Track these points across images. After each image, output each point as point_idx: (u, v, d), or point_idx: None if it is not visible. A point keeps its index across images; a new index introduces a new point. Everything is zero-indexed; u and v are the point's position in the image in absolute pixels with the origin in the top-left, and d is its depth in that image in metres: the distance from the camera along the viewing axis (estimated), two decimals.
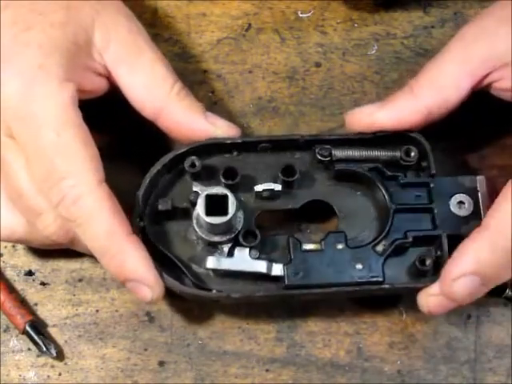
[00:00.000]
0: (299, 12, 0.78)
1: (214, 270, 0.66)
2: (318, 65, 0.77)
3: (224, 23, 0.78)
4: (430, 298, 0.65)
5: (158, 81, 0.67)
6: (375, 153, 0.68)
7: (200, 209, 0.64)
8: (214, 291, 0.65)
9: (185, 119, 0.67)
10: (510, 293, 0.71)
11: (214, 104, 0.75)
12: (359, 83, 0.77)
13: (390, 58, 0.78)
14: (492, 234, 0.62)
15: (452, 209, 0.68)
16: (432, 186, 0.68)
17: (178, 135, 0.68)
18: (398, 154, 0.68)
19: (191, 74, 0.76)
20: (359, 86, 0.77)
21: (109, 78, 0.67)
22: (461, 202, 0.68)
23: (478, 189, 0.68)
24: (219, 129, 0.67)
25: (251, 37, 0.78)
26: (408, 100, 0.67)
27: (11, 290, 0.70)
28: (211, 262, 0.65)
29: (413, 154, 0.68)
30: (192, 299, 0.68)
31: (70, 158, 0.62)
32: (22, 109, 0.62)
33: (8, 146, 0.63)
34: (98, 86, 0.67)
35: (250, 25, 0.78)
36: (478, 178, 0.69)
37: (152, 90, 0.67)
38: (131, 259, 0.63)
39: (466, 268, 0.62)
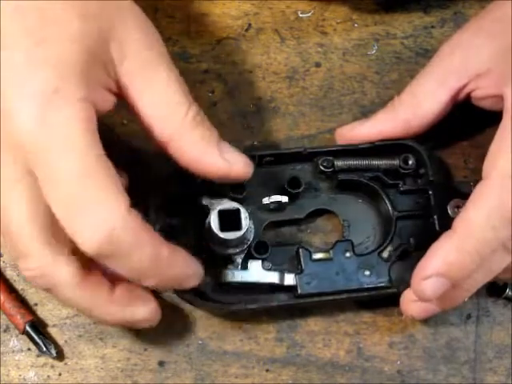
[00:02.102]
0: (299, 12, 0.78)
1: (228, 283, 0.67)
2: (318, 65, 0.77)
3: (224, 23, 0.78)
4: (413, 304, 0.67)
5: (172, 105, 0.61)
6: (375, 162, 0.70)
7: (214, 225, 0.65)
8: (233, 304, 0.67)
9: (196, 152, 0.62)
10: (510, 293, 0.71)
11: (213, 104, 0.75)
12: (359, 83, 0.77)
13: (390, 58, 0.78)
14: (459, 237, 0.63)
15: (450, 213, 0.69)
16: (430, 192, 0.70)
17: (188, 165, 0.62)
18: (396, 162, 0.70)
19: (191, 74, 0.76)
20: (359, 86, 0.77)
21: (117, 94, 0.62)
22: (458, 207, 0.69)
23: None
24: (234, 166, 0.63)
25: (251, 37, 0.78)
26: (388, 114, 0.70)
27: (11, 290, 0.70)
28: (226, 276, 0.67)
29: (410, 162, 0.70)
30: (208, 311, 0.69)
31: (95, 187, 0.56)
32: (38, 139, 0.56)
33: (19, 179, 0.59)
34: (108, 103, 0.61)
35: (250, 25, 0.78)
36: (472, 183, 0.70)
37: (165, 114, 0.61)
38: (179, 265, 0.61)
39: (435, 269, 0.64)
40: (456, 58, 0.68)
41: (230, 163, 0.63)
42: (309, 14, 0.78)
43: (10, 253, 0.63)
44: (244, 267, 0.68)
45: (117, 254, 0.57)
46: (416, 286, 0.65)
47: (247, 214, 0.66)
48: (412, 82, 0.71)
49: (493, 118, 0.70)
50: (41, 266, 0.60)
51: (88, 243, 0.57)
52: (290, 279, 0.68)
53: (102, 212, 0.56)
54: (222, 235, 0.65)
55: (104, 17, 0.60)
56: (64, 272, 0.60)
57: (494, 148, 0.64)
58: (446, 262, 0.63)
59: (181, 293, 0.66)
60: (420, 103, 0.69)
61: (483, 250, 0.63)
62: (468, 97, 0.69)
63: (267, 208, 0.70)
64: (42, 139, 0.56)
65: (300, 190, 0.70)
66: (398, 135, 0.70)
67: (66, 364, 0.69)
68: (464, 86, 0.68)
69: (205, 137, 0.62)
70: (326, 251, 0.69)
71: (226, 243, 0.66)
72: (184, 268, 0.62)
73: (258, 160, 0.70)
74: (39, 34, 0.58)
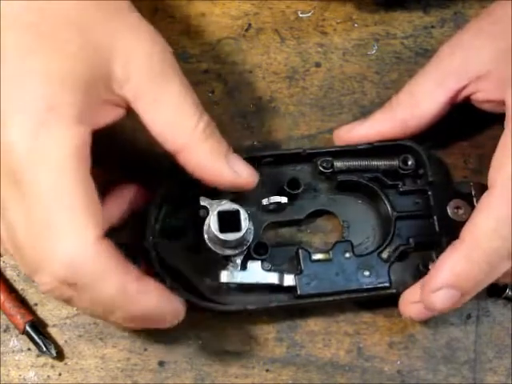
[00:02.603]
0: (299, 12, 0.78)
1: (227, 284, 0.67)
2: (318, 65, 0.77)
3: (224, 23, 0.78)
4: (411, 305, 0.67)
5: (183, 116, 0.61)
6: (374, 162, 0.70)
7: (213, 226, 0.65)
8: (232, 305, 0.67)
9: (206, 162, 0.62)
10: (510, 293, 0.71)
11: (214, 104, 0.75)
12: (359, 83, 0.77)
13: (390, 58, 0.78)
14: (467, 247, 0.63)
15: (450, 214, 0.70)
16: (430, 193, 0.70)
17: (196, 175, 0.63)
18: (395, 162, 0.70)
19: (191, 74, 0.75)
20: (359, 86, 0.77)
21: (127, 107, 0.61)
22: (458, 208, 0.70)
23: (473, 194, 0.70)
24: (241, 176, 0.63)
25: (251, 37, 0.78)
26: (386, 114, 0.70)
27: (11, 290, 0.70)
28: (225, 277, 0.67)
29: (410, 162, 0.70)
30: (208, 311, 0.69)
31: (65, 213, 0.55)
32: (27, 156, 0.55)
33: (12, 196, 0.57)
34: (115, 117, 0.60)
35: (250, 25, 0.78)
36: (472, 183, 0.70)
37: (176, 126, 0.61)
38: (151, 301, 0.59)
39: (444, 280, 0.63)
40: (456, 58, 0.68)
41: (238, 174, 0.63)
42: (309, 14, 0.78)
43: (22, 269, 0.62)
44: (243, 268, 0.68)
45: (78, 284, 0.56)
46: (425, 298, 0.64)
47: (247, 215, 0.66)
48: (410, 82, 0.71)
49: (492, 119, 0.70)
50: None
51: (46, 270, 0.56)
52: (289, 280, 0.68)
53: (66, 239, 0.55)
54: (222, 236, 0.65)
55: (107, 33, 0.59)
56: None
57: (497, 156, 0.64)
58: (455, 272, 0.63)
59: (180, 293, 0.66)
60: (418, 103, 0.69)
61: (491, 259, 0.62)
62: (467, 99, 0.69)
63: (267, 209, 0.70)
64: (27, 157, 0.55)
65: (299, 190, 0.70)
66: (396, 135, 0.70)
67: (65, 364, 0.69)
68: (463, 88, 0.68)
69: (215, 148, 0.62)
70: (326, 252, 0.69)
71: (225, 244, 0.66)
72: (157, 305, 0.59)
73: (257, 161, 0.70)
74: (34, 50, 0.56)
